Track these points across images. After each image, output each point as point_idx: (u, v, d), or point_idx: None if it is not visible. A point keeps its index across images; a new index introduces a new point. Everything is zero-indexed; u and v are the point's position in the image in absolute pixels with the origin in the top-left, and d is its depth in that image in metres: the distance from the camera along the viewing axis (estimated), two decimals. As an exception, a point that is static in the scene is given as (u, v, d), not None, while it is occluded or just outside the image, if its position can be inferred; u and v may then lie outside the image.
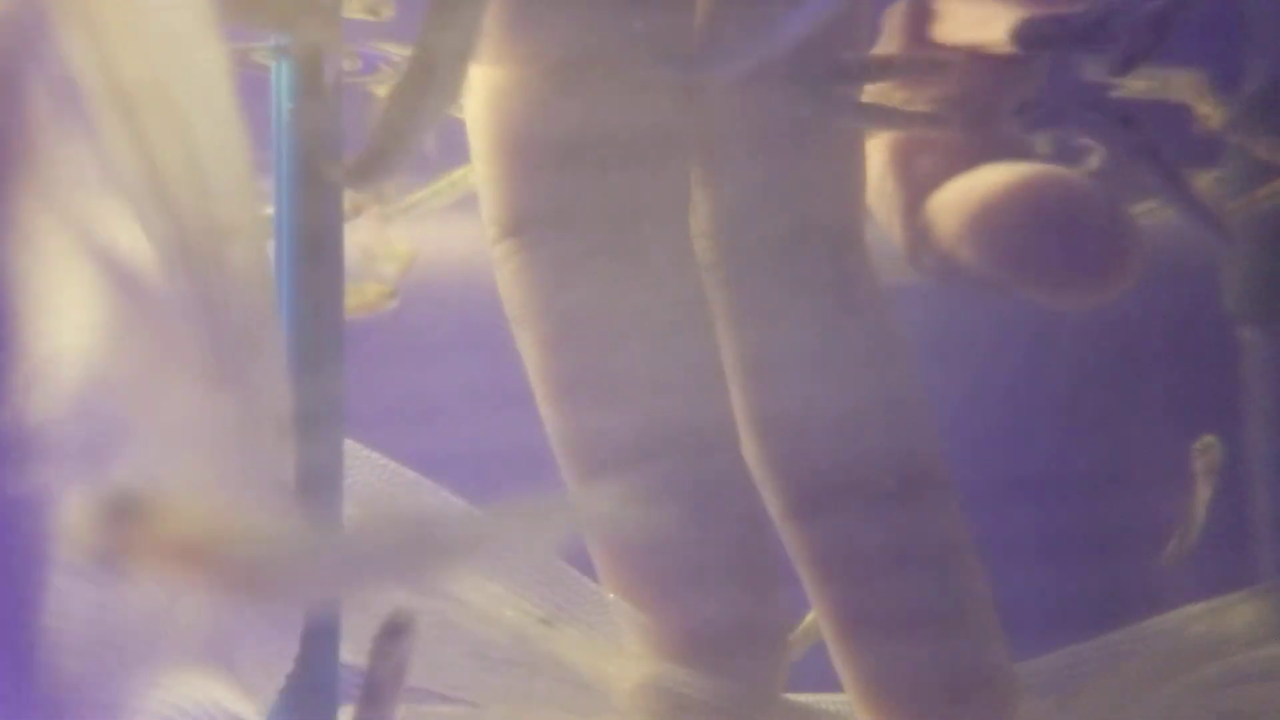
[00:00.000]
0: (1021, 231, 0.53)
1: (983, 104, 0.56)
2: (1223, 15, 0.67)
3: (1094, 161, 0.59)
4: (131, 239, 0.36)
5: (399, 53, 0.59)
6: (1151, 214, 0.65)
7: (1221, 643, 0.58)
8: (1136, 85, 0.65)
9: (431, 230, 0.69)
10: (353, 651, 0.46)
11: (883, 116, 0.56)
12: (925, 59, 0.56)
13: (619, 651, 0.52)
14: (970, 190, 0.55)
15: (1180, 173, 0.57)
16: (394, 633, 0.44)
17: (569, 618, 0.52)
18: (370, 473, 0.50)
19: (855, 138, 0.56)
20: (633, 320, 0.53)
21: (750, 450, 0.54)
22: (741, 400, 0.55)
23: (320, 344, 0.45)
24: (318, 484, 0.44)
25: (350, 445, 0.48)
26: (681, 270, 0.54)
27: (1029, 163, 0.55)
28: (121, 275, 0.36)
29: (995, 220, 0.53)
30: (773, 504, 0.55)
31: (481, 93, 0.52)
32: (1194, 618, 0.58)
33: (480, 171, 0.53)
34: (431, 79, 0.43)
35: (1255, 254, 0.74)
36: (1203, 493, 0.72)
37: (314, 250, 0.46)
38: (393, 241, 0.68)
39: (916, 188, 0.57)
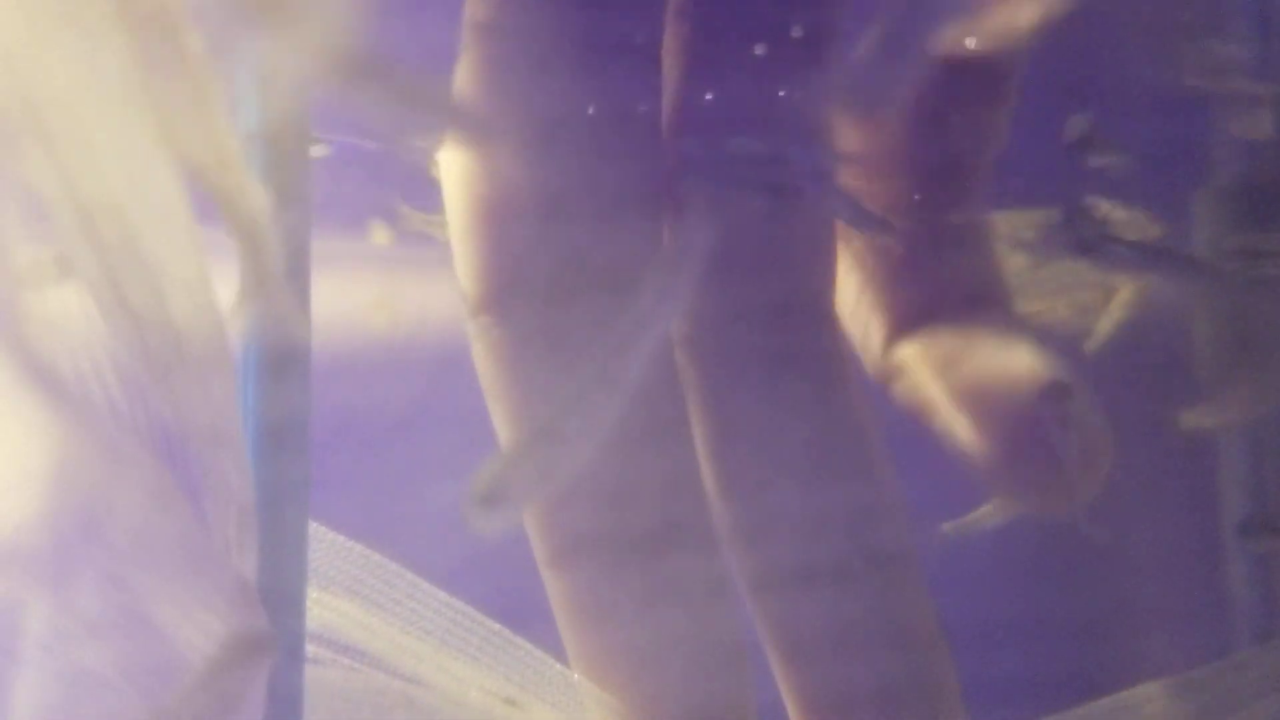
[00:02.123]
0: (1009, 454, 0.55)
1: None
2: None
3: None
4: (76, 362, 0.37)
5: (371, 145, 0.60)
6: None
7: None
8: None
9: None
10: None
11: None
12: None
13: (585, 731, 0.52)
14: (962, 372, 0.56)
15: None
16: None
17: (534, 698, 0.52)
18: (335, 555, 0.51)
19: (823, 214, 0.57)
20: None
21: (722, 529, 0.55)
22: (711, 479, 0.55)
23: (286, 427, 0.46)
24: (282, 566, 0.45)
25: (315, 528, 0.49)
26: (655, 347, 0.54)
27: (1024, 351, 0.56)
28: (66, 397, 0.37)
29: (983, 432, 0.55)
30: (743, 585, 0.55)
31: (455, 173, 0.53)
32: (1151, 696, 0.58)
33: (456, 250, 0.54)
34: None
35: (1225, 335, 0.75)
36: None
37: (283, 352, 0.46)
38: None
39: (893, 321, 0.58)
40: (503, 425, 0.54)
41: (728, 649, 0.53)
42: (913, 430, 0.58)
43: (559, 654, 0.53)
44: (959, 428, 0.55)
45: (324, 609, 0.50)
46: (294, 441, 0.45)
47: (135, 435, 0.37)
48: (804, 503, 0.54)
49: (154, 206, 0.35)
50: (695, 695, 0.53)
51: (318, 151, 0.56)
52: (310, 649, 0.48)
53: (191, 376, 0.37)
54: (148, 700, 0.37)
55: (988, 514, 0.70)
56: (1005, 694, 0.59)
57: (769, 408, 0.55)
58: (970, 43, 0.57)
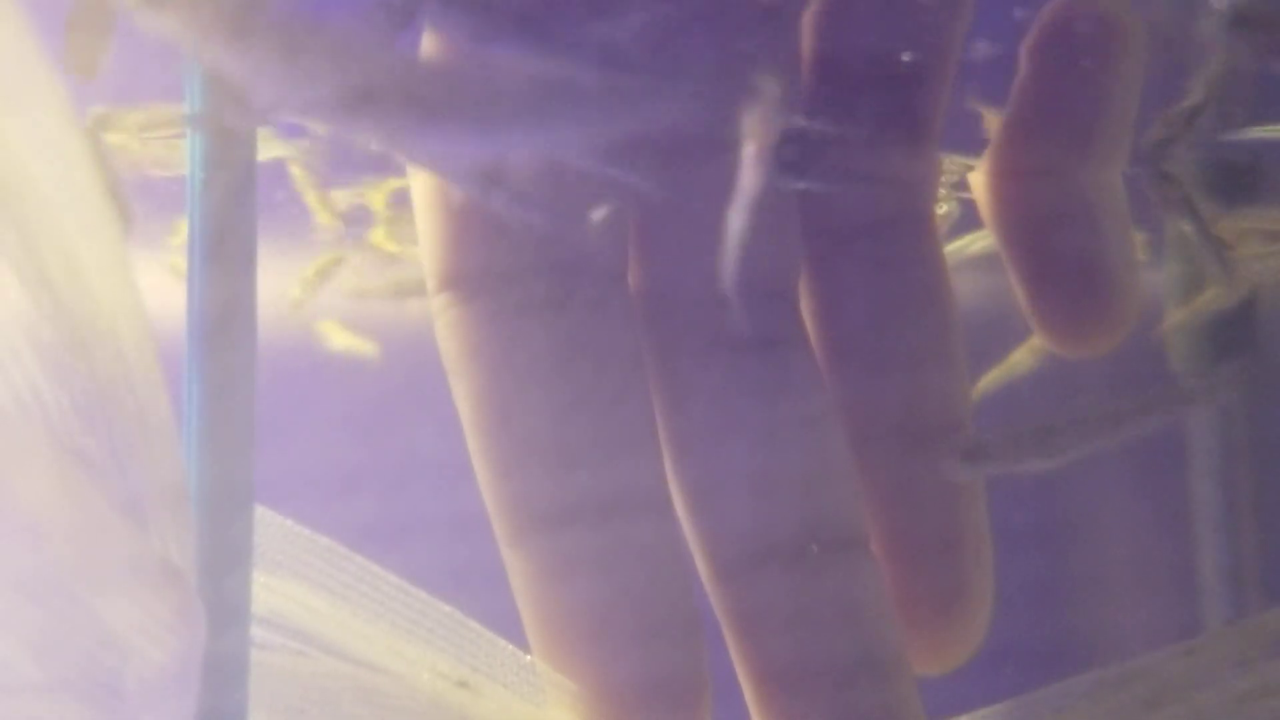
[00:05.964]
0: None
1: None
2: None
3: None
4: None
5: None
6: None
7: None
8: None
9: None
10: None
11: None
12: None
13: (539, 713, 0.52)
14: None
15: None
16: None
17: (486, 679, 0.52)
18: (283, 540, 0.51)
19: (788, 195, 0.57)
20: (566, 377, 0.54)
21: (680, 512, 0.55)
22: (670, 462, 0.55)
23: (230, 415, 0.46)
24: (227, 552, 0.45)
25: (262, 512, 0.49)
26: (617, 327, 0.55)
27: None
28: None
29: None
30: (701, 566, 0.55)
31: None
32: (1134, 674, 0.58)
33: (419, 223, 0.54)
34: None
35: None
36: None
37: (225, 318, 0.46)
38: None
39: None
40: (463, 403, 0.54)
41: (683, 618, 0.53)
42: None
43: (511, 635, 0.53)
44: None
45: (271, 593, 0.50)
46: (240, 429, 0.45)
47: (42, 419, 0.37)
48: (756, 476, 0.54)
49: (65, 180, 0.35)
50: (649, 664, 0.53)
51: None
52: (257, 633, 0.48)
53: (115, 355, 0.37)
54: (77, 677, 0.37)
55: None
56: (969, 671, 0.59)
57: (725, 384, 0.55)
58: None
